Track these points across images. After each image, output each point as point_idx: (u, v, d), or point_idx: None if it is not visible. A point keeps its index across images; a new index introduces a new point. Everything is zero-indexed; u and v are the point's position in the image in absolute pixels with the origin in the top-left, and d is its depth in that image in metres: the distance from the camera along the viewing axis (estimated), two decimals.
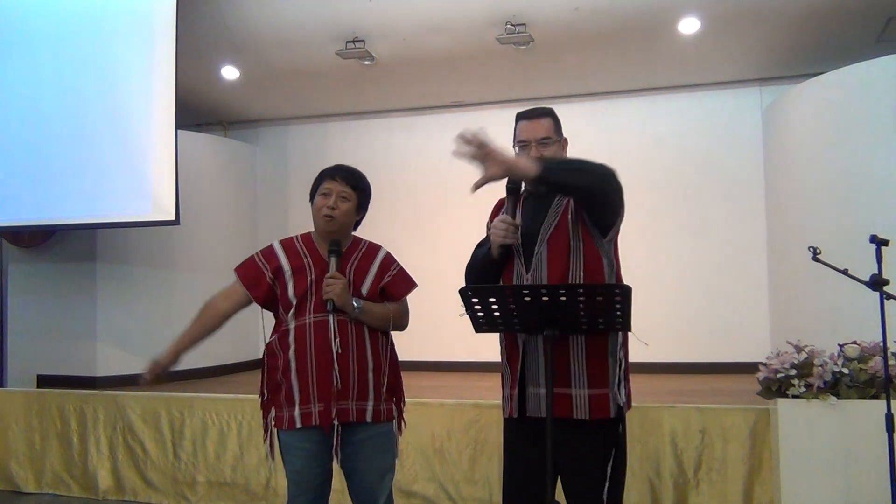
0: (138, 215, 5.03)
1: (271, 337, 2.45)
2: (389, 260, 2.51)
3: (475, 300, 1.96)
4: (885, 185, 4.38)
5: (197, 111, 6.75)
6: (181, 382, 5.75)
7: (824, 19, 4.92)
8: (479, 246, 2.35)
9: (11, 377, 5.82)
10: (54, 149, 5.08)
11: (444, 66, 5.81)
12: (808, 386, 3.07)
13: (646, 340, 2.29)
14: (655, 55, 5.57)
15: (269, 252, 2.48)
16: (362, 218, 2.53)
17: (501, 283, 2.23)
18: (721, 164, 6.05)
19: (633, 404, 2.28)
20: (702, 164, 6.10)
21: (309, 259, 2.41)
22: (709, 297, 5.90)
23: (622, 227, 2.22)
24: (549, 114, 2.31)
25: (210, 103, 6.68)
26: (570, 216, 2.16)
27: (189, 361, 6.73)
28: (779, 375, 3.13)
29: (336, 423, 2.29)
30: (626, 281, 2.22)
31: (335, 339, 2.31)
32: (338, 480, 2.44)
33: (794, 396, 3.09)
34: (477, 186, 2.01)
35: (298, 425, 2.31)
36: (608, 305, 1.93)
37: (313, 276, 2.37)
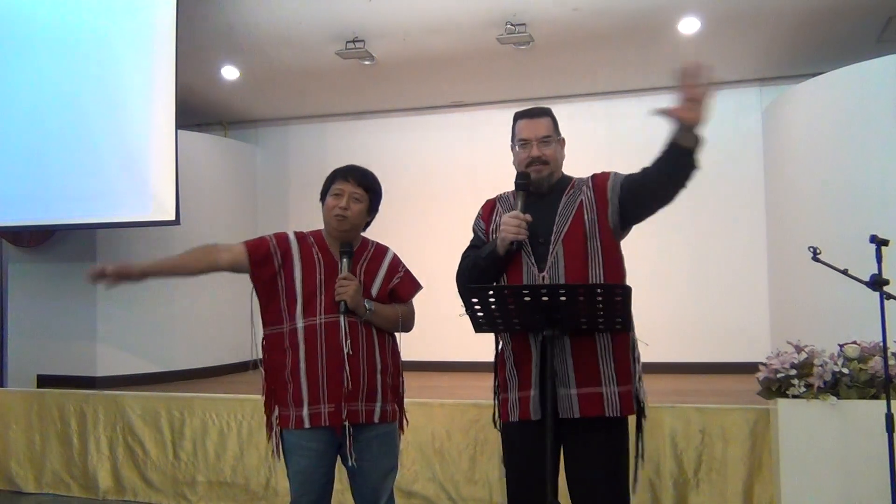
0: (138, 215, 5.03)
1: (269, 330, 2.40)
2: (397, 261, 2.53)
3: (475, 300, 1.96)
4: (885, 185, 4.38)
5: (197, 111, 6.75)
6: (181, 382, 5.77)
7: (824, 19, 4.92)
8: (471, 248, 2.33)
9: (11, 377, 5.82)
10: (54, 149, 5.07)
11: (444, 66, 5.81)
12: (808, 386, 3.06)
13: (646, 340, 2.30)
14: (655, 55, 5.56)
15: (283, 239, 2.44)
16: (372, 219, 2.53)
17: (505, 283, 2.21)
18: (721, 164, 6.04)
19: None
20: (701, 164, 6.09)
21: (319, 257, 2.40)
22: (709, 298, 5.90)
23: None
24: (548, 113, 2.33)
25: (210, 103, 6.68)
26: (586, 216, 2.18)
27: (189, 361, 6.75)
28: (779, 375, 3.13)
29: (347, 424, 2.29)
30: (626, 281, 2.23)
31: (346, 340, 2.31)
32: (338, 480, 2.44)
33: (794, 396, 3.09)
34: (660, 113, 2.08)
35: (307, 425, 2.30)
36: (608, 305, 1.94)
37: (323, 276, 2.36)
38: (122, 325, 5.83)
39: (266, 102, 6.79)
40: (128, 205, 4.99)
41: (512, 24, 5.07)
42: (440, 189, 6.49)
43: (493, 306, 1.97)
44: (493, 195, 2.44)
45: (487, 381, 2.38)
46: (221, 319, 6.48)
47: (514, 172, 2.34)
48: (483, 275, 2.22)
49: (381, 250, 2.52)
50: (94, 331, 5.78)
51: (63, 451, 4.56)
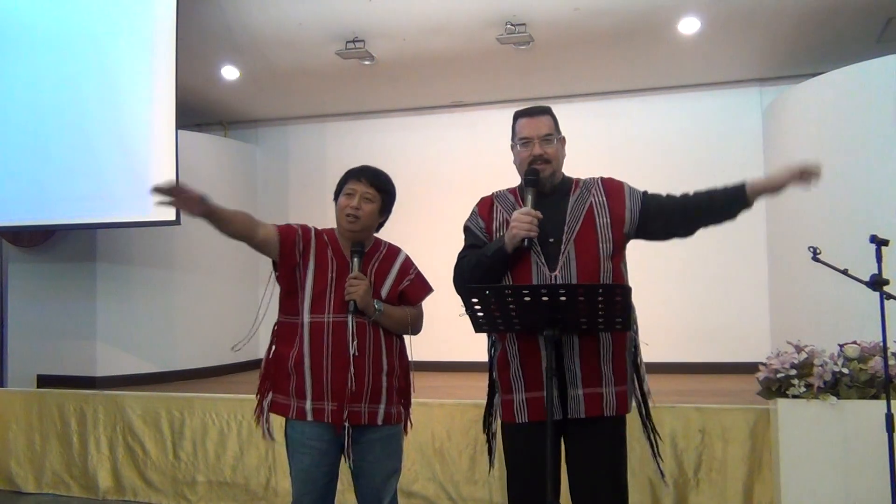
0: (138, 215, 5.03)
1: (284, 318, 2.41)
2: (409, 263, 2.51)
3: (475, 300, 1.96)
4: (885, 185, 4.38)
5: (197, 111, 6.75)
6: (181, 382, 5.77)
7: (824, 19, 4.92)
8: (469, 247, 2.32)
9: (11, 377, 5.81)
10: (54, 149, 5.07)
11: (444, 66, 5.81)
12: (808, 386, 3.07)
13: (646, 340, 2.31)
14: (655, 55, 5.57)
15: (306, 231, 2.43)
16: (386, 220, 2.52)
17: (510, 282, 2.21)
18: (721, 164, 6.04)
19: (632, 404, 2.30)
20: (702, 164, 6.08)
21: (332, 256, 2.40)
22: (709, 297, 5.90)
23: None
24: (549, 111, 2.33)
25: (210, 103, 6.68)
26: (598, 218, 2.20)
27: (189, 361, 6.74)
28: (779, 375, 3.13)
29: (347, 424, 2.28)
30: (627, 282, 2.24)
31: (353, 341, 2.30)
32: (341, 480, 2.44)
33: (794, 396, 3.09)
34: (794, 172, 2.27)
35: (310, 418, 2.31)
36: (608, 305, 1.94)
37: (334, 274, 2.36)
38: (122, 326, 5.84)
39: (266, 102, 6.78)
40: (128, 205, 4.98)
41: (512, 24, 5.07)
42: (440, 189, 6.49)
43: (493, 306, 1.97)
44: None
45: (487, 380, 2.38)
46: (221, 319, 6.48)
47: (515, 172, 2.34)
48: (487, 274, 2.20)
49: (394, 251, 2.51)
50: (94, 331, 5.78)
51: (63, 451, 4.56)
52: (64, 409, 4.57)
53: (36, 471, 4.59)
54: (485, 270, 2.19)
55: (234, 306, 6.66)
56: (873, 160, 4.46)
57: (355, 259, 2.35)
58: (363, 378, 2.31)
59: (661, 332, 2.64)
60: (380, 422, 2.35)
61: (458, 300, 1.99)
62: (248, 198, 7.04)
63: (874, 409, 2.86)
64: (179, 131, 5.04)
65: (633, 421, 2.29)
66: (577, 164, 2.50)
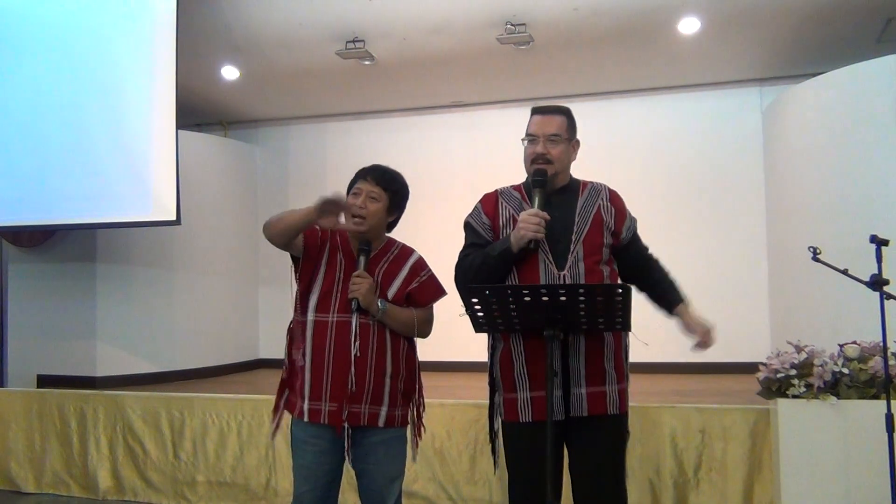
0: (139, 215, 5.03)
1: (298, 318, 2.41)
2: (420, 265, 2.48)
3: (475, 300, 1.96)
4: (885, 186, 4.38)
5: (197, 111, 6.75)
6: (181, 382, 5.77)
7: (824, 19, 4.92)
8: (471, 246, 2.31)
9: (11, 377, 5.81)
10: (54, 149, 5.07)
11: (444, 66, 5.81)
12: (808, 386, 3.06)
13: (646, 340, 2.31)
14: (655, 55, 5.56)
15: (323, 231, 2.44)
16: (397, 219, 2.50)
17: (516, 281, 2.21)
18: (721, 164, 6.05)
19: (632, 404, 2.33)
20: (702, 164, 6.09)
21: (342, 254, 2.40)
22: (709, 297, 5.82)
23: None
24: (564, 112, 2.33)
25: (210, 103, 6.68)
26: (605, 223, 2.24)
27: (189, 361, 6.74)
28: (779, 375, 3.13)
29: (346, 425, 2.28)
30: None
31: (355, 341, 2.29)
32: (346, 479, 2.44)
33: (794, 396, 3.09)
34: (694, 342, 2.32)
35: (305, 419, 2.32)
36: (608, 305, 1.94)
37: (341, 274, 2.36)
38: (122, 326, 5.84)
39: (266, 102, 6.78)
40: (128, 205, 4.99)
41: (512, 24, 5.07)
42: (440, 189, 6.48)
43: (493, 306, 1.97)
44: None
45: (487, 380, 2.37)
46: (221, 319, 6.49)
47: (515, 171, 2.34)
48: (492, 273, 2.19)
49: (406, 252, 2.48)
50: (94, 331, 5.78)
51: (63, 451, 4.55)
52: (64, 409, 4.57)
53: (36, 471, 4.59)
54: (489, 270, 2.19)
55: (234, 306, 6.66)
56: (873, 160, 4.46)
57: (361, 258, 2.34)
58: (364, 379, 2.29)
59: (661, 332, 2.63)
60: (381, 424, 2.33)
61: (459, 300, 1.99)
62: (248, 198, 7.04)
63: (874, 409, 2.86)
64: (179, 131, 5.04)
65: (633, 420, 2.30)
66: (577, 164, 2.50)
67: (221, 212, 6.57)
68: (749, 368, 3.67)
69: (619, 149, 6.04)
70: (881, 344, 2.83)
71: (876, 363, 3.00)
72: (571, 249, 2.17)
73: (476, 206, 2.37)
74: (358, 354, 2.28)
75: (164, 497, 4.31)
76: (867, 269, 2.71)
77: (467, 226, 2.36)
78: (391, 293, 2.38)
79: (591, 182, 2.34)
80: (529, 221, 2.10)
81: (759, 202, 5.88)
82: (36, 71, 5.13)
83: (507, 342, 2.23)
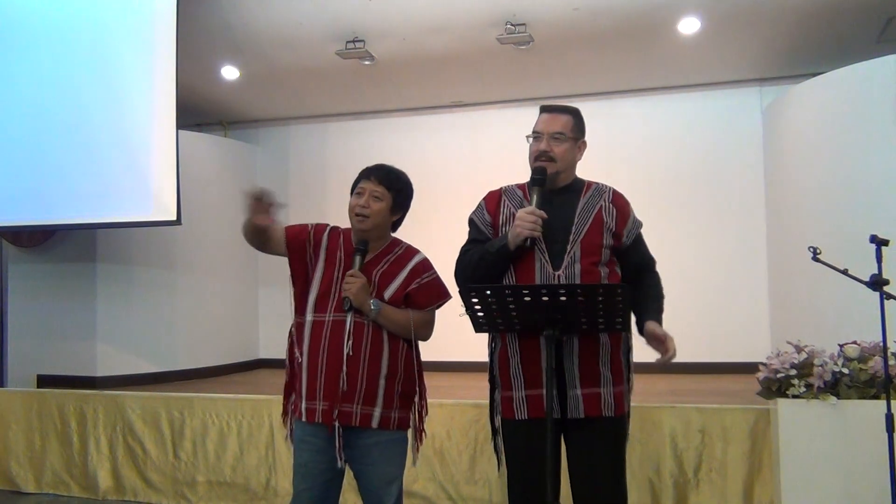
0: (139, 215, 5.03)
1: (297, 319, 2.42)
2: (422, 267, 2.44)
3: (475, 300, 1.96)
4: (885, 185, 4.38)
5: (197, 111, 6.75)
6: (181, 382, 5.77)
7: (824, 19, 4.92)
8: (471, 242, 2.33)
9: (11, 377, 5.81)
10: (55, 149, 5.07)
11: (444, 66, 5.81)
12: (808, 386, 3.06)
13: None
14: (655, 55, 5.57)
15: (319, 232, 2.46)
16: (401, 218, 2.50)
17: (513, 280, 2.22)
18: (721, 164, 6.05)
19: (632, 404, 2.32)
20: (702, 164, 6.09)
21: (342, 254, 2.40)
22: (709, 297, 5.90)
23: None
24: (571, 112, 2.33)
25: (210, 103, 6.68)
26: (605, 224, 2.22)
27: (189, 361, 6.73)
28: (779, 375, 3.13)
29: (337, 424, 2.27)
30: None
31: (348, 340, 2.28)
32: (347, 480, 2.44)
33: (794, 396, 3.09)
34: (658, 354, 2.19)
35: (304, 419, 2.33)
36: (608, 306, 1.94)
37: (340, 273, 2.36)
38: (122, 325, 5.84)
39: (266, 102, 6.78)
40: (129, 205, 4.99)
41: (512, 24, 5.07)
42: (440, 189, 6.48)
43: (493, 306, 1.97)
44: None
45: (487, 380, 2.37)
46: (222, 319, 6.49)
47: (515, 171, 2.34)
48: (490, 270, 2.21)
49: (409, 254, 2.45)
50: (94, 331, 5.78)
51: (63, 451, 4.55)
52: (64, 409, 4.57)
53: (36, 471, 4.59)
54: (487, 267, 2.21)
55: (234, 306, 6.66)
56: (873, 160, 4.46)
57: (357, 257, 2.34)
58: (356, 378, 2.28)
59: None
60: (374, 425, 2.31)
61: (459, 300, 1.99)
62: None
63: (874, 409, 2.86)
64: (179, 131, 5.04)
65: (633, 420, 2.30)
66: (578, 164, 2.50)
67: (221, 212, 6.56)
68: (749, 368, 3.67)
69: (618, 149, 6.04)
70: (881, 344, 2.83)
71: (876, 363, 3.00)
72: (568, 249, 2.16)
73: (480, 203, 2.38)
74: (350, 354, 2.28)
75: (164, 497, 4.31)
76: (867, 269, 2.71)
77: (471, 222, 2.37)
78: (388, 294, 2.36)
79: (596, 183, 2.33)
80: (525, 219, 2.11)
81: (759, 202, 5.88)
82: (36, 71, 5.13)
83: (504, 341, 2.24)
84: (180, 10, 4.89)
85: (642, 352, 2.33)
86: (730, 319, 5.83)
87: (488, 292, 1.97)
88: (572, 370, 2.13)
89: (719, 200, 6.03)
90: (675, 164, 6.12)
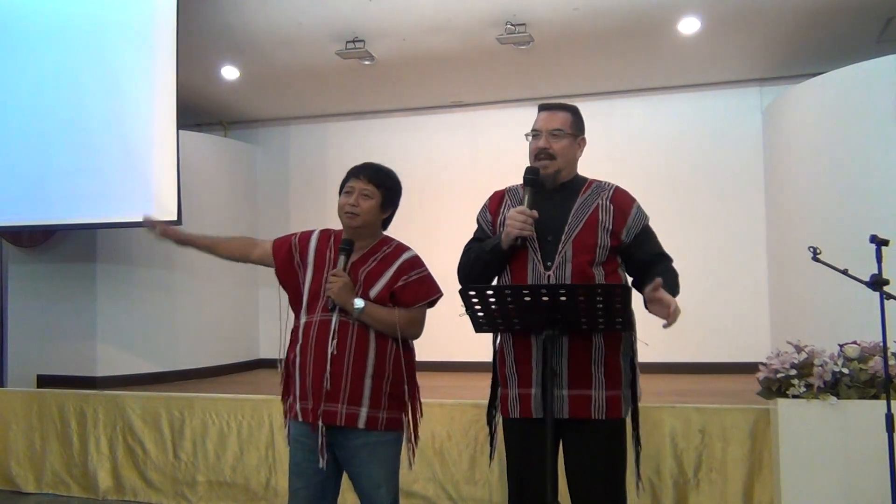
0: (140, 215, 5.00)
1: (294, 323, 2.45)
2: (410, 264, 2.41)
3: (475, 300, 1.96)
4: (884, 185, 4.38)
5: (197, 111, 6.75)
6: (181, 382, 5.77)
7: (824, 19, 4.92)
8: (474, 241, 2.34)
9: (11, 377, 5.81)
10: (55, 149, 5.07)
11: (444, 66, 5.81)
12: (808, 386, 3.06)
13: (646, 340, 2.30)
14: (655, 55, 5.57)
15: (304, 239, 2.48)
16: (390, 216, 2.49)
17: (509, 278, 2.22)
18: (721, 165, 6.05)
19: (628, 409, 2.28)
20: (702, 164, 6.10)
21: (332, 254, 2.40)
22: (709, 297, 5.90)
23: None
24: (569, 109, 2.32)
25: (210, 103, 6.68)
26: (600, 223, 2.19)
27: (189, 361, 6.74)
28: (779, 375, 3.13)
29: (320, 423, 2.27)
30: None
31: (333, 339, 2.28)
32: (347, 480, 2.44)
33: (794, 396, 3.09)
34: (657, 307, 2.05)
35: (300, 419, 2.33)
36: (608, 306, 1.94)
37: (329, 274, 2.35)
38: (123, 325, 5.83)
39: (266, 102, 6.79)
40: (129, 205, 4.98)
41: (512, 24, 5.07)
42: (440, 189, 6.49)
43: (493, 306, 1.97)
44: (488, 194, 2.44)
45: (487, 381, 2.38)
46: (222, 319, 6.49)
47: (515, 171, 2.34)
48: (486, 269, 2.22)
49: (398, 252, 2.42)
50: (94, 331, 5.78)
51: (63, 451, 4.55)
52: (64, 409, 4.57)
53: (36, 471, 4.59)
54: (483, 265, 2.22)
55: (233, 307, 6.66)
56: (873, 160, 4.46)
57: (341, 257, 2.34)
58: (340, 378, 2.27)
59: (660, 332, 2.62)
60: (361, 425, 2.28)
61: (458, 300, 1.99)
62: (248, 198, 7.04)
63: (874, 409, 2.86)
64: (179, 131, 5.04)
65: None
66: (578, 164, 2.50)
67: (221, 212, 6.57)
68: (749, 368, 3.67)
69: (618, 149, 6.04)
70: (881, 344, 2.83)
71: (876, 363, 3.00)
72: (559, 249, 2.15)
73: (485, 203, 2.39)
74: (335, 353, 2.27)
75: (164, 497, 4.31)
76: (867, 269, 2.71)
77: (477, 221, 2.40)
78: (374, 293, 2.34)
79: (599, 181, 2.31)
80: (515, 219, 2.11)
81: (759, 202, 5.88)
82: (36, 71, 5.13)
83: (502, 339, 2.26)
84: (180, 10, 4.89)
85: (644, 352, 2.32)
86: (730, 319, 5.83)
87: (489, 292, 1.96)
88: (560, 371, 2.11)
89: (719, 200, 6.03)
90: (674, 164, 6.12)
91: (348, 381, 2.28)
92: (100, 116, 5.02)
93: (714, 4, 4.82)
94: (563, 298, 1.90)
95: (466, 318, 2.04)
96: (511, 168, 2.37)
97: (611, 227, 2.20)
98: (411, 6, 4.95)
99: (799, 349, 3.17)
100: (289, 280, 2.46)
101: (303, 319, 2.38)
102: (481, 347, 2.42)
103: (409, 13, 5.03)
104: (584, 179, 2.31)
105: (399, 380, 2.37)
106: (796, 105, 5.21)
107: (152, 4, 5.00)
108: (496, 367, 2.30)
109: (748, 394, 3.71)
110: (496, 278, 2.28)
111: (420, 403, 2.47)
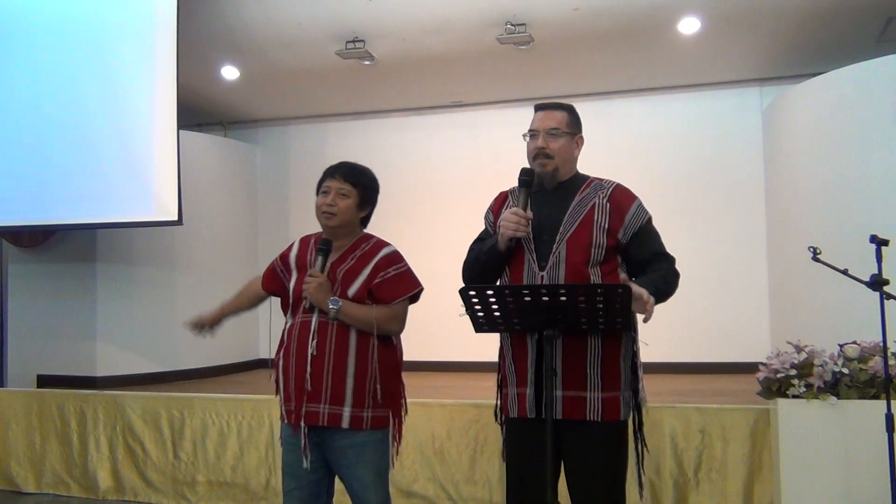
0: (141, 216, 5.04)
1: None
2: (389, 260, 2.38)
3: (475, 300, 1.96)
4: (885, 185, 4.38)
5: (197, 111, 6.75)
6: (181, 382, 5.77)
7: (824, 19, 4.92)
8: (478, 240, 2.35)
9: (11, 377, 5.81)
10: (55, 149, 5.07)
11: (444, 66, 5.81)
12: (808, 386, 3.06)
13: (646, 340, 2.30)
14: (655, 55, 5.57)
15: (284, 256, 2.53)
16: (369, 214, 2.48)
17: (507, 278, 2.22)
18: (721, 165, 6.05)
19: (628, 411, 2.26)
20: (701, 164, 6.10)
21: (313, 256, 2.40)
22: (709, 297, 5.90)
23: None
24: (566, 108, 2.32)
25: (210, 103, 6.68)
26: (595, 223, 2.17)
27: (189, 361, 6.74)
28: (779, 375, 3.13)
29: (303, 424, 2.27)
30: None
31: (312, 340, 2.28)
32: (339, 481, 2.44)
33: (794, 396, 3.09)
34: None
35: (286, 421, 2.36)
36: (608, 306, 1.93)
37: None
38: (122, 325, 5.84)
39: (266, 102, 6.79)
40: (130, 205, 4.99)
41: (512, 24, 5.07)
42: (440, 189, 6.49)
43: (493, 306, 1.97)
44: (493, 195, 2.44)
45: (487, 381, 2.38)
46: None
47: (515, 171, 2.33)
48: (485, 269, 2.22)
49: (376, 249, 2.40)
50: (94, 331, 5.78)
51: (63, 451, 4.55)
52: (64, 409, 4.57)
53: (36, 471, 4.59)
54: (482, 265, 2.23)
55: None
56: (873, 160, 4.46)
57: (319, 257, 2.34)
58: (321, 378, 2.27)
59: (661, 332, 2.63)
60: (345, 425, 2.27)
61: (458, 300, 1.99)
62: (248, 198, 7.05)
63: (874, 409, 2.86)
64: (180, 131, 5.04)
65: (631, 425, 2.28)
66: (578, 164, 2.50)
67: (221, 212, 6.57)
68: (749, 368, 3.67)
69: (618, 149, 6.04)
70: (881, 344, 2.83)
71: (876, 363, 3.00)
72: (554, 249, 2.15)
73: (490, 203, 2.41)
74: (315, 353, 2.27)
75: (164, 497, 4.31)
76: (867, 269, 2.71)
77: (484, 219, 2.42)
78: (351, 291, 2.32)
79: (600, 179, 2.28)
80: (509, 220, 2.11)
81: (759, 202, 5.88)
82: (36, 71, 5.13)
83: (502, 338, 2.26)
84: (180, 10, 4.89)
85: (644, 352, 2.32)
86: (730, 319, 5.83)
87: (489, 292, 1.96)
88: (556, 371, 2.11)
89: (719, 200, 6.03)
90: (675, 165, 6.12)
91: (329, 382, 2.27)
92: (100, 116, 5.02)
93: (714, 4, 4.82)
94: (564, 298, 1.90)
95: (466, 318, 2.04)
96: (511, 168, 2.37)
97: (607, 225, 2.17)
98: (411, 6, 4.95)
99: (799, 349, 3.17)
100: (276, 287, 2.52)
101: (288, 322, 2.41)
102: (481, 347, 2.42)
103: (409, 13, 5.03)
104: (584, 178, 2.29)
105: (384, 378, 2.35)
106: (796, 105, 5.21)
107: (152, 4, 5.00)
108: (499, 367, 2.31)
109: (748, 394, 3.71)
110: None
111: (405, 401, 2.47)
